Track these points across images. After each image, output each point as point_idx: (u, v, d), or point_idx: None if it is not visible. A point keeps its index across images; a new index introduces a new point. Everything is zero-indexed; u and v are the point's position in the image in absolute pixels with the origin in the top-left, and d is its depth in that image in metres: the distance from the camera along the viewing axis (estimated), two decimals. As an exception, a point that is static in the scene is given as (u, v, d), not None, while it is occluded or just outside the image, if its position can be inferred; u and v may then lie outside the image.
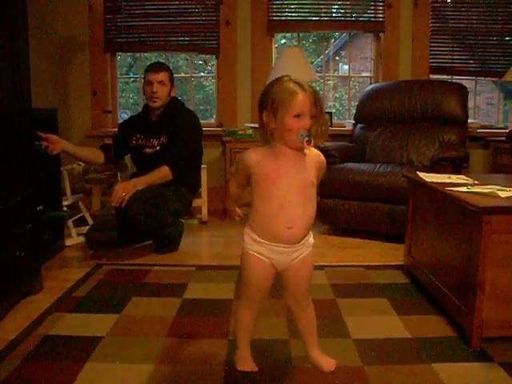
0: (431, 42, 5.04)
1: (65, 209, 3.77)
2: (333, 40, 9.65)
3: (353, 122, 4.97)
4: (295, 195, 1.72)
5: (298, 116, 1.63)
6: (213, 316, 2.49)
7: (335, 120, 5.39)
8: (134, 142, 3.69)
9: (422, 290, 2.81)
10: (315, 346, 1.99)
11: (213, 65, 5.66)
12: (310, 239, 1.88)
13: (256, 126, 4.64)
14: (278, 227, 1.73)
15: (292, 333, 2.29)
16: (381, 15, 5.04)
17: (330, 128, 5.12)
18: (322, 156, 1.81)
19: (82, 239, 3.78)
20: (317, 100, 1.66)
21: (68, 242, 3.82)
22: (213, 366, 1.98)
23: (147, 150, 3.61)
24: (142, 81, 3.74)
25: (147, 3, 5.07)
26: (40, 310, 2.53)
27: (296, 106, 1.63)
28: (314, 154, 1.78)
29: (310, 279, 1.92)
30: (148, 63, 3.90)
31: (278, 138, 1.70)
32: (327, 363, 1.96)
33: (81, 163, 4.24)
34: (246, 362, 1.96)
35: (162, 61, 5.36)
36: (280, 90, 1.66)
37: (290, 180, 1.71)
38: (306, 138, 1.64)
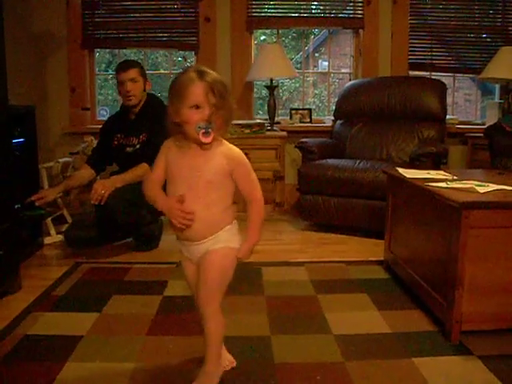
0: (410, 39, 5.08)
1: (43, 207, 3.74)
2: (312, 36, 9.66)
3: (332, 118, 4.99)
4: (192, 192, 1.65)
5: (196, 107, 1.57)
6: (193, 313, 2.47)
7: (315, 116, 5.41)
8: (116, 142, 3.66)
9: (402, 285, 2.83)
10: (205, 360, 1.79)
11: (192, 61, 5.63)
12: (223, 236, 1.73)
13: (236, 122, 4.65)
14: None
15: (273, 329, 2.29)
16: (360, 12, 5.06)
17: (310, 124, 5.15)
18: (234, 151, 1.71)
19: (61, 237, 3.75)
20: (217, 90, 1.58)
21: (47, 240, 3.78)
22: (194, 364, 1.97)
23: (128, 149, 3.58)
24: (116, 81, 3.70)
25: (126, -1, 5.03)
26: (18, 310, 2.50)
27: (191, 97, 1.57)
28: (224, 150, 1.68)
29: (217, 282, 1.73)
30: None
31: (181, 131, 1.64)
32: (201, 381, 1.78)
33: (59, 160, 4.20)
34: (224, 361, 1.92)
35: (141, 57, 5.34)
36: (178, 81, 1.61)
37: (186, 176, 1.65)
38: (203, 131, 1.58)
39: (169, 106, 1.62)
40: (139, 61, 3.90)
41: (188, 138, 1.64)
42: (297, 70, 5.17)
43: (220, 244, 1.71)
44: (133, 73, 3.52)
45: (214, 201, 1.68)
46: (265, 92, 4.94)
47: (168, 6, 5.07)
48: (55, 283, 2.92)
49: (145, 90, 3.60)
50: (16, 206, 3.10)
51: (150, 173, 1.77)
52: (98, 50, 5.40)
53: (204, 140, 1.60)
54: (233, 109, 1.66)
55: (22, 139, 3.54)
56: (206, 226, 1.69)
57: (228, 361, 1.95)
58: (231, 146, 1.71)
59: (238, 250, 1.74)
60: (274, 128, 4.83)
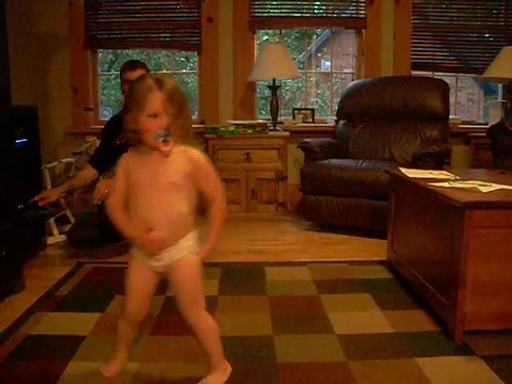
0: (413, 39, 5.07)
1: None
2: (315, 36, 9.65)
3: (335, 118, 4.98)
4: (153, 198, 1.65)
5: (154, 116, 1.57)
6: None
7: (317, 116, 5.40)
8: (119, 142, 3.65)
9: (405, 285, 2.83)
10: (209, 369, 1.82)
11: (194, 61, 5.64)
12: (185, 244, 1.74)
13: (239, 122, 4.65)
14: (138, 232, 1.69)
15: (275, 329, 2.30)
16: (363, 12, 5.05)
17: (313, 124, 5.15)
18: (193, 152, 1.70)
19: (63, 237, 3.76)
20: (175, 98, 1.59)
21: (50, 240, 3.78)
22: (197, 364, 1.97)
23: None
24: (119, 80, 3.70)
25: (128, -1, 5.04)
26: (22, 310, 2.51)
27: (149, 106, 1.57)
28: (184, 152, 1.67)
29: (191, 291, 1.74)
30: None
31: (140, 139, 1.64)
32: None
33: (62, 160, 4.21)
34: (109, 367, 1.92)
35: (144, 57, 5.34)
36: (135, 90, 1.59)
37: (148, 183, 1.64)
38: (162, 138, 1.59)
39: (127, 114, 1.62)
40: (142, 61, 3.90)
41: (147, 146, 1.64)
42: (299, 70, 5.17)
43: (184, 252, 1.73)
44: (140, 72, 3.51)
45: (176, 204, 1.68)
46: (267, 92, 4.94)
47: (170, 7, 5.07)
48: (58, 283, 2.92)
49: None
50: (19, 207, 3.10)
51: (111, 196, 1.75)
52: (101, 50, 5.39)
53: (163, 148, 1.61)
54: (191, 117, 1.70)
55: (24, 139, 3.54)
56: (169, 234, 1.70)
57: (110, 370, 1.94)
58: (190, 148, 1.70)
59: (198, 253, 1.76)
60: (277, 128, 4.83)
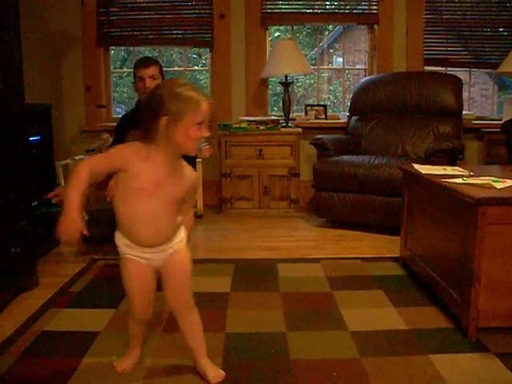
0: (425, 34, 5.03)
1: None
2: (327, 32, 9.63)
3: (347, 114, 4.97)
4: (165, 208, 1.68)
5: (199, 124, 1.59)
6: (209, 310, 2.49)
7: (330, 112, 5.38)
8: (131, 139, 3.66)
9: (418, 282, 2.82)
10: (203, 354, 1.90)
11: (207, 58, 5.64)
12: (180, 235, 1.82)
13: (251, 119, 4.65)
14: (146, 236, 1.71)
15: (288, 326, 2.30)
16: (375, 7, 5.03)
17: (325, 120, 5.15)
18: (194, 174, 1.80)
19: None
20: (214, 109, 1.63)
21: (63, 237, 3.80)
22: (210, 360, 1.97)
23: (143, 146, 3.59)
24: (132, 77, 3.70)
25: (140, -3, 5.05)
26: (36, 306, 2.53)
27: (201, 113, 1.58)
28: (188, 172, 1.75)
29: (188, 276, 1.84)
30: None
31: (169, 144, 1.62)
32: (215, 374, 1.87)
33: (76, 158, 4.23)
34: (122, 362, 1.95)
35: (156, 54, 5.35)
36: (187, 96, 1.58)
37: (152, 190, 1.65)
38: (206, 146, 1.63)
39: (163, 120, 1.58)
40: (155, 58, 3.90)
41: (178, 152, 1.66)
42: (311, 67, 5.16)
43: (178, 242, 1.81)
44: (154, 69, 3.53)
45: (176, 215, 1.75)
46: (280, 88, 4.94)
47: (182, 3, 5.07)
48: (72, 280, 2.94)
49: None
50: (33, 204, 3.12)
51: (87, 160, 1.71)
52: (113, 47, 5.41)
53: (206, 155, 1.66)
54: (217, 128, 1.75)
55: (38, 137, 3.57)
56: (172, 234, 1.77)
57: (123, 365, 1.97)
58: (191, 168, 1.78)
59: None
60: (289, 124, 4.83)
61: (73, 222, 1.62)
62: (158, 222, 1.69)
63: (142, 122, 1.67)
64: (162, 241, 1.74)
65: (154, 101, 1.60)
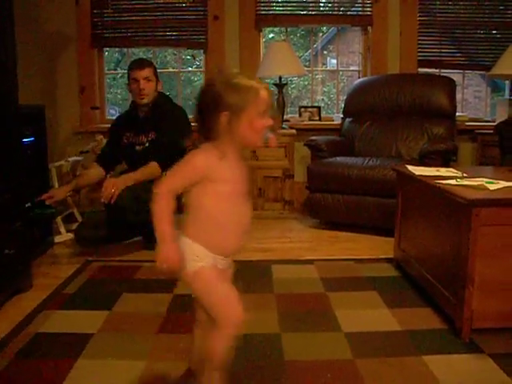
0: (419, 36, 5.05)
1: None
2: (321, 34, 9.65)
3: (341, 116, 4.97)
4: (247, 208, 1.59)
5: (262, 113, 1.49)
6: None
7: (324, 114, 5.39)
8: (126, 140, 3.66)
9: (412, 283, 2.83)
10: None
11: (201, 59, 5.64)
12: None
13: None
14: (232, 242, 1.59)
15: (283, 327, 2.30)
16: (369, 9, 5.04)
17: (319, 122, 5.15)
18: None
19: (71, 236, 3.77)
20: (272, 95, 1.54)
21: (57, 238, 3.80)
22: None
23: (137, 148, 3.59)
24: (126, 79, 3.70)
25: (134, -2, 5.05)
26: (30, 308, 2.52)
27: (263, 104, 1.49)
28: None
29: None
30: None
31: (234, 139, 1.51)
32: None
33: (69, 159, 4.22)
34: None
35: (150, 56, 5.35)
36: (245, 88, 1.47)
37: (239, 190, 1.57)
38: (272, 135, 1.54)
39: (223, 115, 1.46)
40: (149, 59, 3.91)
41: (242, 146, 1.56)
42: (305, 68, 5.17)
43: None
44: (148, 71, 3.53)
45: None
46: (273, 90, 4.94)
47: (177, 5, 5.07)
48: (66, 281, 2.94)
49: (156, 91, 3.61)
50: (26, 205, 3.12)
51: (159, 171, 1.66)
52: (107, 49, 5.40)
53: (273, 145, 1.56)
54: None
55: (31, 138, 3.55)
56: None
57: None
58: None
59: None
60: (284, 126, 4.83)
61: (170, 250, 1.54)
62: (245, 224, 1.59)
63: (200, 123, 1.54)
64: (239, 248, 1.62)
65: (210, 97, 1.48)
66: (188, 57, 7.15)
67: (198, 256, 1.56)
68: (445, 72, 5.12)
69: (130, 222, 3.34)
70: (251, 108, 1.47)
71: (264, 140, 1.54)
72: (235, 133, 1.49)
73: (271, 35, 8.38)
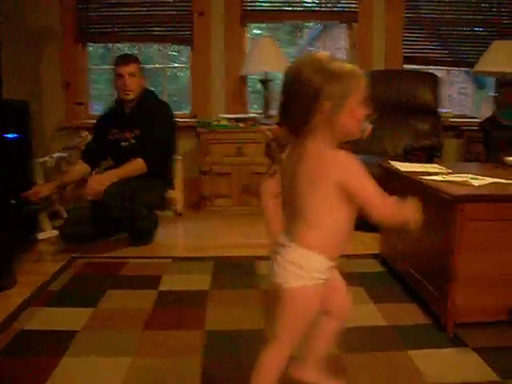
0: (404, 32, 5.06)
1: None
2: (307, 30, 9.63)
3: (327, 112, 4.97)
4: None
5: (363, 102, 1.40)
6: (189, 307, 2.49)
7: (310, 110, 5.39)
8: (111, 137, 3.64)
9: (398, 279, 2.84)
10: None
11: (187, 55, 5.61)
12: None
13: (231, 116, 4.63)
14: (341, 248, 1.58)
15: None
16: (354, 5, 5.04)
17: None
18: None
19: (55, 232, 3.74)
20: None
21: (42, 235, 3.77)
22: (190, 358, 1.97)
23: (123, 144, 3.57)
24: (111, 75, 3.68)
25: (119, -7, 5.01)
26: (14, 305, 2.50)
27: (363, 90, 1.39)
28: None
29: None
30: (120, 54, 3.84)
31: (332, 132, 1.42)
32: None
33: (54, 155, 4.19)
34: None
35: (135, 51, 5.31)
36: (347, 74, 1.37)
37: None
38: (368, 125, 1.47)
39: (328, 105, 1.34)
40: (135, 55, 3.88)
41: (344, 137, 1.48)
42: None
43: None
44: (133, 67, 3.51)
45: None
46: (259, 86, 4.93)
47: (162, 0, 5.04)
48: (50, 278, 2.91)
49: (141, 86, 3.59)
50: (11, 202, 3.09)
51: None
52: (92, 44, 5.36)
53: (368, 134, 1.54)
54: None
55: (16, 134, 3.52)
56: None
57: None
58: None
59: None
60: (269, 122, 4.82)
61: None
62: (351, 226, 1.54)
63: (287, 115, 1.40)
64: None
65: (305, 86, 1.32)
66: (173, 53, 7.12)
67: (320, 271, 1.49)
68: (430, 69, 5.14)
69: (115, 219, 3.33)
70: (354, 96, 1.37)
71: (363, 130, 1.46)
72: (336, 124, 1.38)
73: (257, 31, 8.35)
